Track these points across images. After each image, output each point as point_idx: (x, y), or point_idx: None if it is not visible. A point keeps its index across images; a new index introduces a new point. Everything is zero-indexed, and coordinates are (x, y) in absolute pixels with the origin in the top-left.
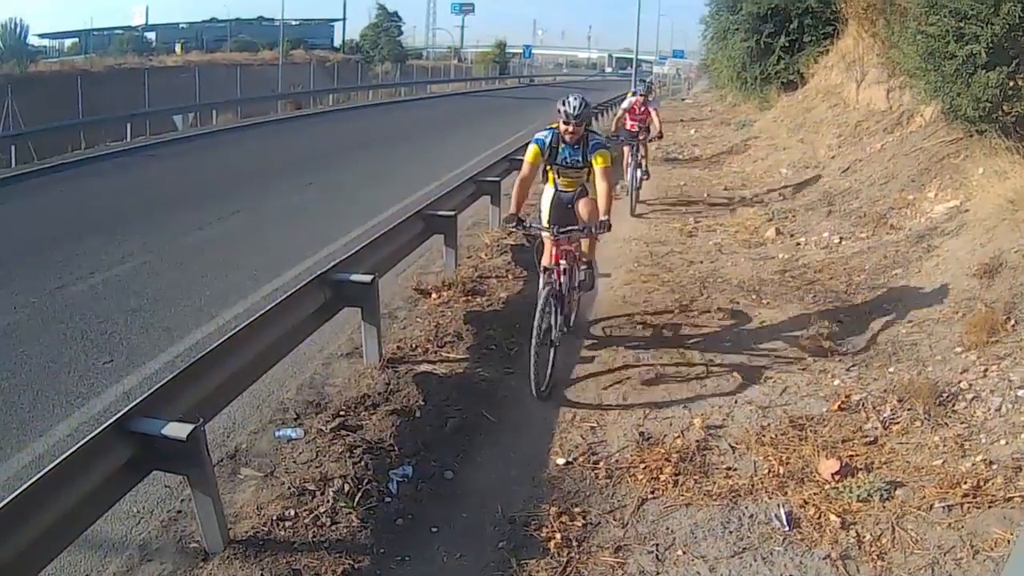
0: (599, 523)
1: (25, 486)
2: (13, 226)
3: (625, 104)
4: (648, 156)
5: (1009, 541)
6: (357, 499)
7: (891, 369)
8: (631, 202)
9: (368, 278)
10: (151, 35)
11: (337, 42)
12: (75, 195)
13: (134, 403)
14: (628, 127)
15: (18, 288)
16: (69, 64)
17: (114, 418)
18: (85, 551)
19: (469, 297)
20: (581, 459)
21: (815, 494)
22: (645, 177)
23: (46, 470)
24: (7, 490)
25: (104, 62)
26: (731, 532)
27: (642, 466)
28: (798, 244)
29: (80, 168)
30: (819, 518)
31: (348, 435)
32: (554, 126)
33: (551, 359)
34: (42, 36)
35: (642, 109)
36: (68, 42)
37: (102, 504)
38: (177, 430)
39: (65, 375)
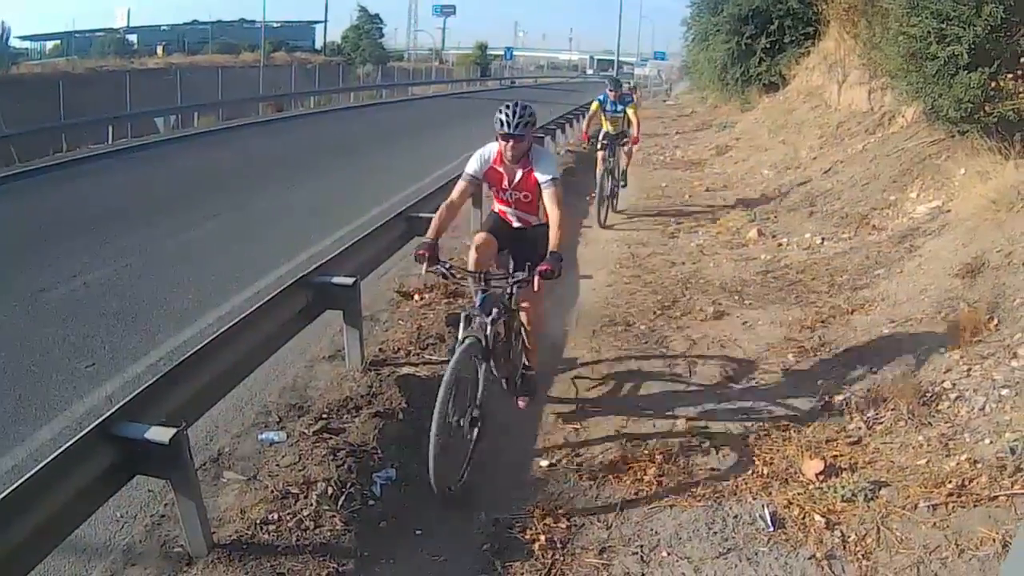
0: (583, 525)
1: (7, 491)
2: None
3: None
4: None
5: (994, 540)
6: (341, 502)
7: (874, 369)
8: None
9: (350, 280)
10: (133, 37)
11: (318, 44)
12: (56, 198)
13: (117, 407)
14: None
15: None
16: (51, 66)
17: (97, 422)
18: (68, 556)
19: (451, 299)
20: (565, 461)
21: (799, 494)
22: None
23: (28, 475)
24: None
25: (86, 64)
26: (715, 533)
27: (626, 467)
28: (780, 245)
29: (62, 171)
30: (804, 518)
31: (331, 438)
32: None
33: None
34: (23, 38)
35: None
36: (50, 44)
37: (85, 509)
38: (160, 434)
39: (47, 379)
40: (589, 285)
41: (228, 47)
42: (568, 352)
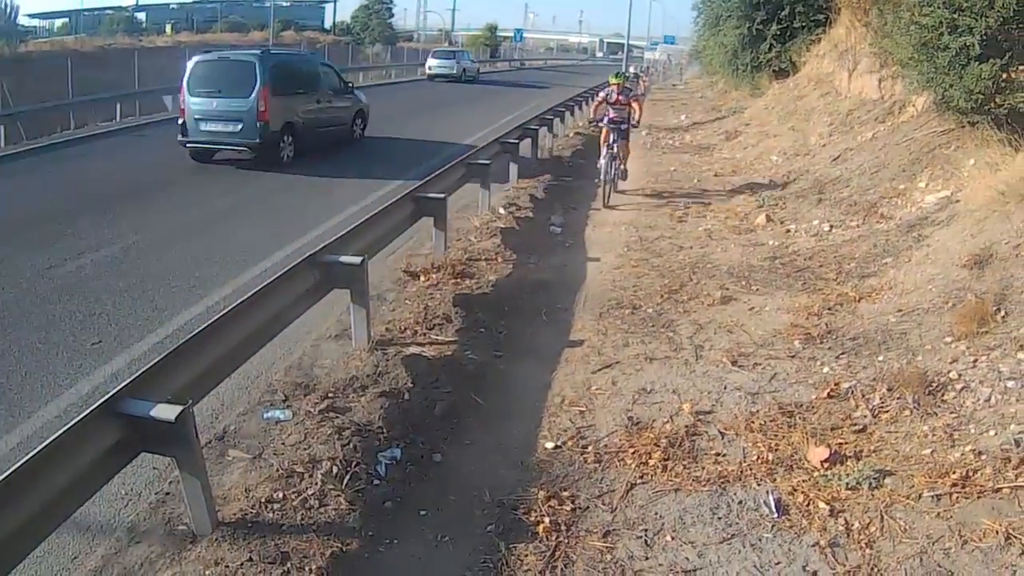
0: (588, 508)
1: (12, 468)
2: (1, 206)
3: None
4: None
5: (997, 532)
6: (345, 481)
7: (880, 358)
8: (604, 193)
9: (357, 260)
10: (141, 15)
11: (328, 23)
12: (64, 175)
13: (122, 384)
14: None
15: (6, 269)
16: (59, 44)
17: (102, 400)
18: (73, 533)
19: (458, 280)
20: (570, 443)
21: (804, 481)
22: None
23: (34, 452)
24: None
25: (94, 42)
26: (720, 518)
27: (631, 451)
28: (788, 231)
29: (69, 148)
30: (808, 505)
31: (337, 417)
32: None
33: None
34: (32, 16)
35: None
36: (58, 22)
37: (90, 486)
38: (165, 412)
39: (53, 356)
40: (596, 267)
41: (237, 26)
42: (575, 334)
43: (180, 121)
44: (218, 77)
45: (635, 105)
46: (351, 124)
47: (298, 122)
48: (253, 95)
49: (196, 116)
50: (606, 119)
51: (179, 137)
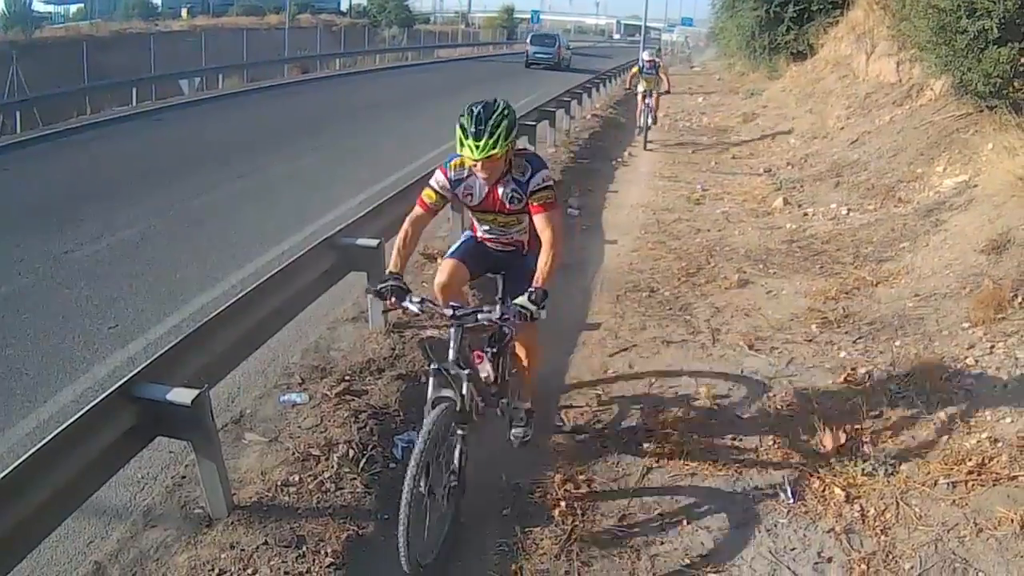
0: (604, 492)
1: (29, 452)
2: (18, 192)
3: None
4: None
5: (1012, 520)
6: (362, 464)
7: (897, 343)
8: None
9: (374, 242)
10: (157, 0)
11: (344, 6)
12: (80, 160)
13: (139, 368)
14: None
15: (23, 254)
16: (74, 29)
17: (119, 384)
18: (89, 517)
19: None
20: (587, 426)
21: (820, 467)
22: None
23: (50, 436)
24: (12, 456)
25: (109, 27)
26: (735, 503)
27: (648, 435)
28: (805, 215)
29: (85, 133)
30: (824, 491)
31: (353, 400)
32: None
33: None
34: (47, 2)
35: None
36: (73, 7)
37: (106, 470)
38: (181, 396)
39: (70, 340)
40: (614, 250)
41: (253, 9)
42: (592, 317)
43: (525, 54)
44: (541, 38)
45: (545, 222)
46: (570, 60)
47: (565, 57)
48: (556, 46)
49: (533, 51)
50: (476, 312)
51: (525, 59)
